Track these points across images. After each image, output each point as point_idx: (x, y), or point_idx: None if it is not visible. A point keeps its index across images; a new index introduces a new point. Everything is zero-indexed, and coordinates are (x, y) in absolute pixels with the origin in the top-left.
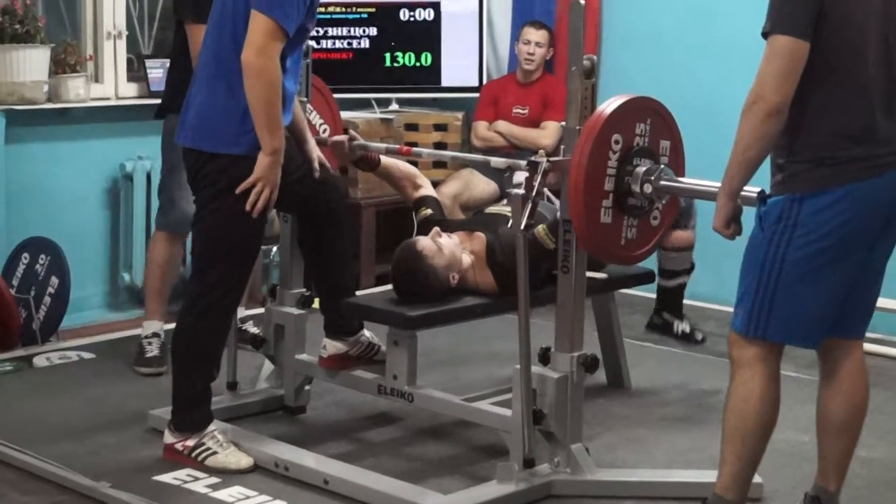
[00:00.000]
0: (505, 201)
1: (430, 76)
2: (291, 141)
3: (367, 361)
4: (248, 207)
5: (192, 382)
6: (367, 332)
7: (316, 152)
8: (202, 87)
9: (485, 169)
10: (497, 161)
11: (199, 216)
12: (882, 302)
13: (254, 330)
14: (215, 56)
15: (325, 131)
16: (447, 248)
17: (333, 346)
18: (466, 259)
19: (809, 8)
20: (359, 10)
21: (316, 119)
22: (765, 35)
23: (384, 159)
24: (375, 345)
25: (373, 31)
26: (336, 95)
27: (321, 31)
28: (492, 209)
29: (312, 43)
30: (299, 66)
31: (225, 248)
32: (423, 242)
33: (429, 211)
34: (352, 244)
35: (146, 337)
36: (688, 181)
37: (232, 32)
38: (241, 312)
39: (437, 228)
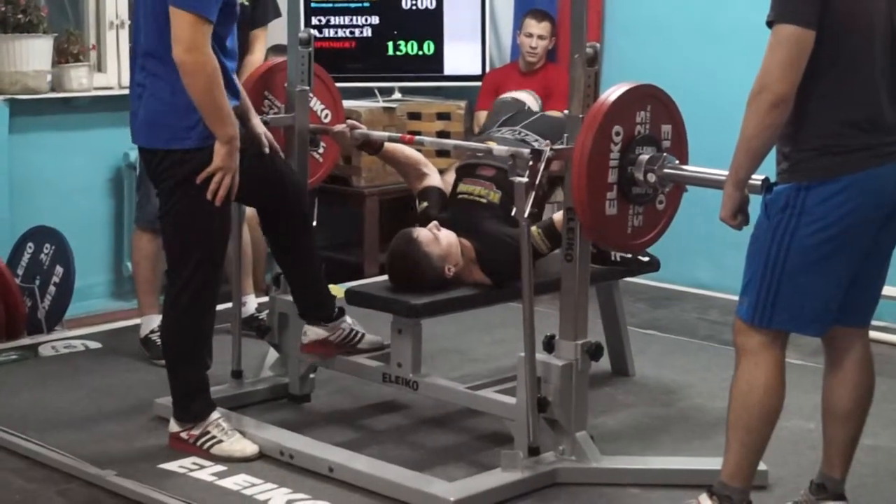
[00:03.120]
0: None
1: (432, 65)
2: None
3: (349, 348)
4: (209, 196)
5: (187, 375)
6: (348, 319)
7: (261, 129)
8: (143, 86)
9: (487, 158)
10: (500, 149)
11: (164, 211)
12: (888, 290)
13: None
14: (149, 55)
15: (326, 117)
16: (444, 239)
17: (314, 332)
18: (462, 258)
19: None
20: None
21: (317, 106)
22: (769, 24)
23: (388, 143)
24: (358, 332)
25: (375, 19)
26: (338, 84)
27: (323, 20)
28: (463, 191)
29: (315, 32)
30: (235, 43)
31: (194, 238)
32: (420, 230)
33: (425, 204)
34: (314, 232)
35: (152, 332)
36: (691, 169)
37: (156, 30)
38: (256, 302)
39: (435, 222)
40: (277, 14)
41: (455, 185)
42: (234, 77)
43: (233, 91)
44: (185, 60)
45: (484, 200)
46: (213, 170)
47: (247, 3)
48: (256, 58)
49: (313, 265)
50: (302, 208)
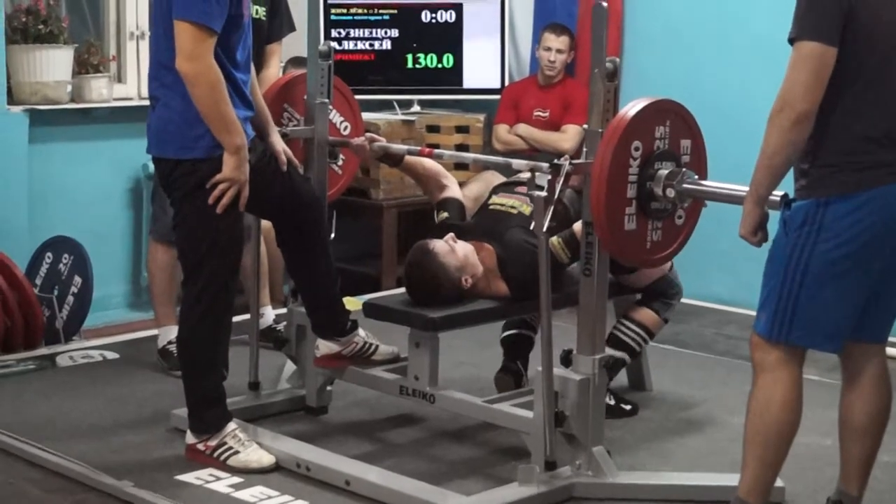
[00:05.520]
0: (516, 177)
1: (451, 78)
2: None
3: (363, 361)
4: (210, 201)
5: (204, 386)
6: (361, 332)
7: (280, 145)
8: (157, 97)
9: (506, 171)
10: (519, 163)
11: (176, 221)
12: None
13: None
14: (161, 65)
15: (345, 129)
16: (460, 250)
17: (325, 346)
18: (480, 267)
19: (836, 13)
20: (380, 11)
21: (337, 119)
22: (791, 41)
23: (408, 156)
24: (371, 344)
25: (394, 32)
26: (357, 97)
27: (343, 33)
28: (495, 202)
29: (335, 44)
30: (250, 55)
31: (206, 248)
32: (436, 242)
33: (445, 214)
34: (329, 248)
35: (170, 342)
36: (710, 184)
37: (167, 42)
38: (273, 313)
39: (451, 234)
40: (292, 28)
41: (488, 198)
42: (247, 89)
43: (244, 102)
44: (187, 71)
45: (514, 211)
46: (220, 179)
47: (263, 19)
48: (272, 72)
49: (328, 281)
50: (318, 224)
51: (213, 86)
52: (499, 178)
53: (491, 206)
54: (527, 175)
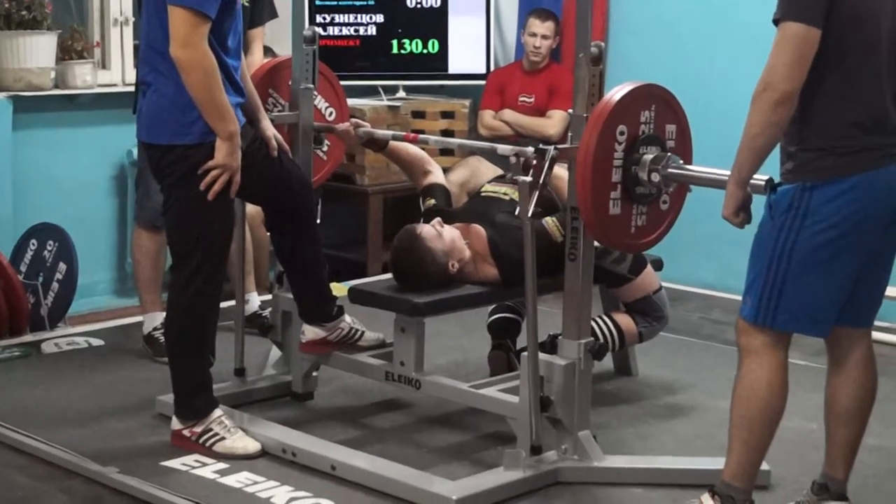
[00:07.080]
0: (508, 177)
1: (437, 63)
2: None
3: (349, 346)
4: (201, 187)
5: (190, 372)
6: (347, 318)
7: (271, 131)
8: (148, 82)
9: (492, 156)
10: (504, 149)
11: (166, 207)
12: (891, 290)
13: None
14: (153, 50)
15: (331, 115)
16: (447, 235)
17: (312, 332)
18: (467, 252)
19: None
20: None
21: (322, 104)
22: (776, 21)
23: (393, 141)
24: (357, 330)
25: (380, 17)
26: (343, 82)
27: (328, 18)
28: (488, 189)
29: (319, 30)
30: (241, 42)
31: (196, 234)
32: (423, 226)
33: (433, 201)
34: (318, 233)
35: (155, 329)
36: (695, 168)
37: (159, 27)
38: (259, 299)
39: (438, 218)
40: (273, 14)
41: (482, 187)
42: (238, 75)
43: (236, 89)
44: (181, 57)
45: (506, 197)
46: (212, 166)
47: (247, 4)
48: (256, 58)
49: (316, 265)
50: (308, 209)
51: (207, 73)
52: (484, 164)
53: (483, 193)
54: (496, 150)
